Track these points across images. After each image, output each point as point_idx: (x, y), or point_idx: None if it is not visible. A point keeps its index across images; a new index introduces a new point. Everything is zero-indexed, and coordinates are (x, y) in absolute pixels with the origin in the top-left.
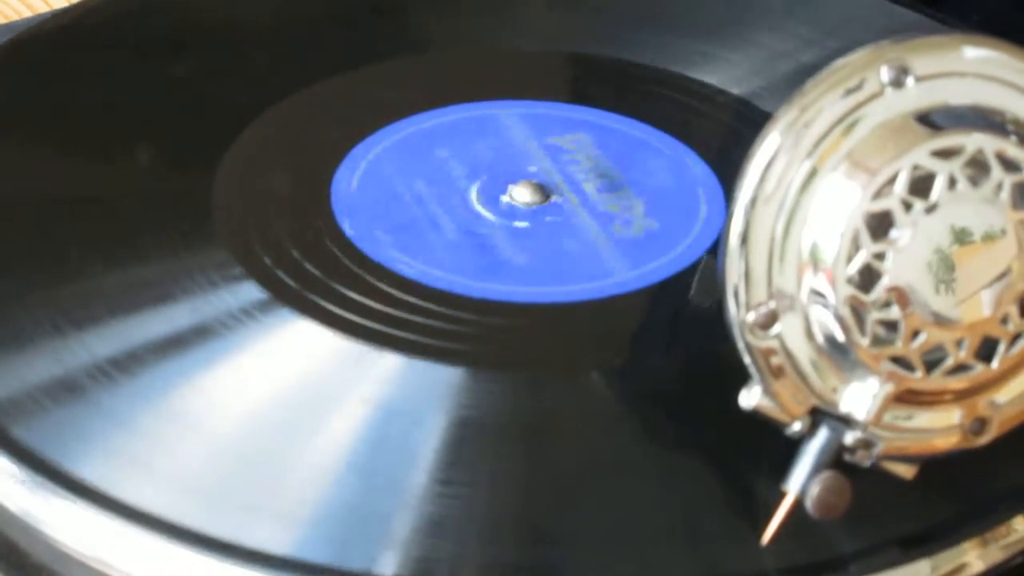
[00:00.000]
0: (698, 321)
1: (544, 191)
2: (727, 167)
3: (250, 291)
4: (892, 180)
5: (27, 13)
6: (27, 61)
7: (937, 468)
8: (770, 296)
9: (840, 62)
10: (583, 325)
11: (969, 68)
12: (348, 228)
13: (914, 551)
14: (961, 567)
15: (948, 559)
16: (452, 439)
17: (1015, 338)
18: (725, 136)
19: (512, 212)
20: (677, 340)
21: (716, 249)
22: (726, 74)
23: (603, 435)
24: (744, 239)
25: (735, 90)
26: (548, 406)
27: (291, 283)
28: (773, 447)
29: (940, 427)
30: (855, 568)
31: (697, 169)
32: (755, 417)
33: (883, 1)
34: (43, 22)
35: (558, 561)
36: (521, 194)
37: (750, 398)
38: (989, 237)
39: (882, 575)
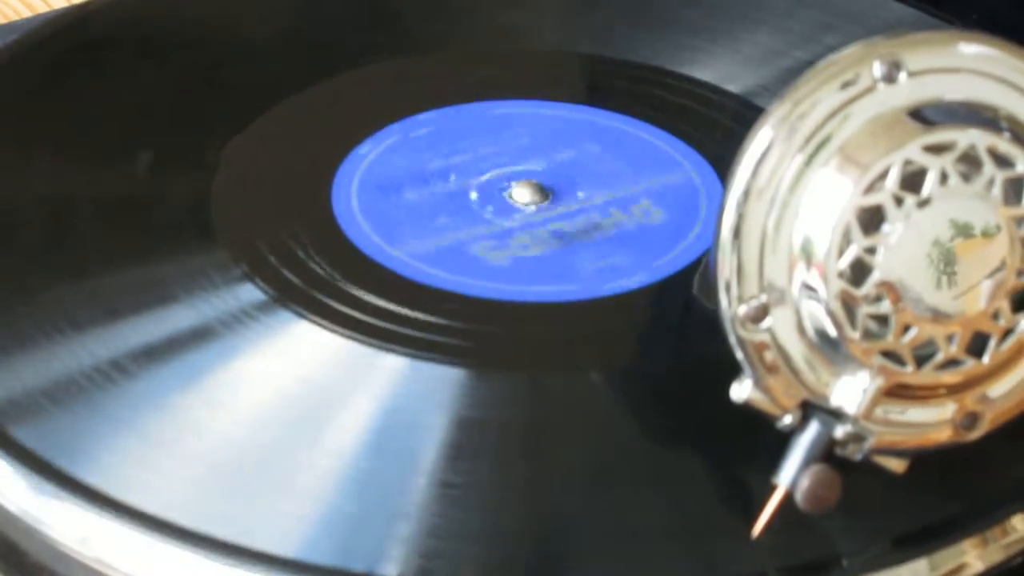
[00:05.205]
0: (697, 320)
1: (544, 191)
2: (726, 164)
3: (250, 292)
4: (884, 175)
5: (27, 13)
6: (28, 63)
7: (937, 466)
8: (761, 289)
9: (832, 57)
10: (583, 325)
11: (962, 64)
12: (348, 229)
13: (913, 550)
14: (961, 567)
15: (947, 558)
16: (453, 440)
17: (1006, 333)
18: (724, 133)
19: (512, 212)
20: (677, 339)
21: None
22: (725, 72)
23: (603, 435)
24: (736, 233)
25: (734, 88)
26: (548, 406)
27: (292, 284)
28: (773, 446)
29: (932, 422)
30: (853, 566)
31: (697, 167)
32: (746, 410)
33: None
34: (43, 24)
35: (559, 561)
36: (521, 194)
37: (741, 391)
38: (987, 233)
39: (881, 574)
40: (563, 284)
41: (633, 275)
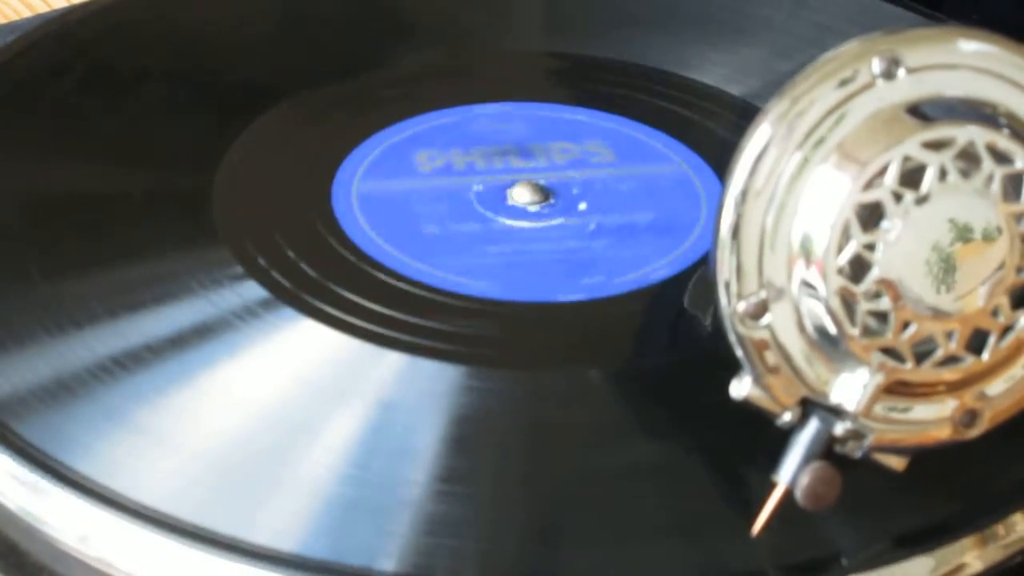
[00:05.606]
0: (696, 321)
1: (544, 191)
2: (726, 166)
3: (252, 290)
4: (883, 171)
5: (27, 13)
6: (29, 63)
7: (937, 465)
8: (760, 287)
9: (830, 54)
10: (583, 325)
11: (961, 60)
12: (349, 227)
13: (913, 548)
14: (960, 566)
15: (947, 557)
16: (452, 437)
17: (1005, 330)
18: (724, 135)
19: (512, 212)
20: (676, 339)
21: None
22: (725, 74)
23: (602, 434)
24: (735, 232)
25: (734, 90)
26: (548, 405)
27: (293, 282)
28: (773, 446)
29: (931, 419)
30: (853, 565)
31: (697, 169)
32: (746, 408)
33: (881, 1)
34: (44, 24)
35: (558, 558)
36: (521, 195)
37: (740, 388)
38: (987, 237)
39: (880, 573)
40: (564, 284)
41: (633, 276)
